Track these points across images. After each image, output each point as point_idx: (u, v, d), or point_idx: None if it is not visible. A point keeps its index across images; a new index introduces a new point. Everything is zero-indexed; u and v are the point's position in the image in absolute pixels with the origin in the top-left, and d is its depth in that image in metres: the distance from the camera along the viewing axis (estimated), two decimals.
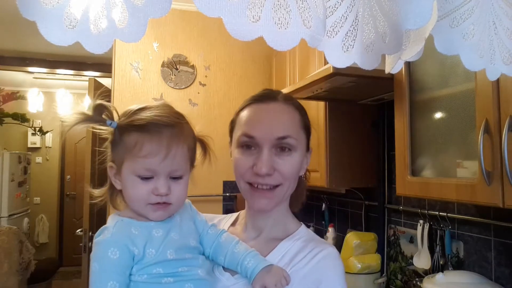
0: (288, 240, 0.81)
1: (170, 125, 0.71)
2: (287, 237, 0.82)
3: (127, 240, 0.68)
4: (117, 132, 0.72)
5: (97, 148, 0.77)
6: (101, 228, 0.72)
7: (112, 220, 0.72)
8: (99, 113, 0.71)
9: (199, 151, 0.80)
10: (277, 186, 0.78)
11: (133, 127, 0.70)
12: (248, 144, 0.79)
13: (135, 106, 0.74)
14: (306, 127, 0.84)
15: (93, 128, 0.72)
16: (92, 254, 0.69)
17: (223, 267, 0.79)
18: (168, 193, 0.71)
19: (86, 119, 0.71)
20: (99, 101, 0.72)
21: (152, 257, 0.68)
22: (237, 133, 0.82)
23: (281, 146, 0.78)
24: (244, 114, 0.82)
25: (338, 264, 0.78)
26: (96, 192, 0.78)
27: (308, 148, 0.86)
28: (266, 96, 0.84)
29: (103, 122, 0.72)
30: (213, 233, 0.80)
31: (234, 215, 0.94)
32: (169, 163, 0.70)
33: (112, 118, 0.72)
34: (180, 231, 0.75)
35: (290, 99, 0.85)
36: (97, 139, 0.83)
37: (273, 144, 0.77)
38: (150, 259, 0.68)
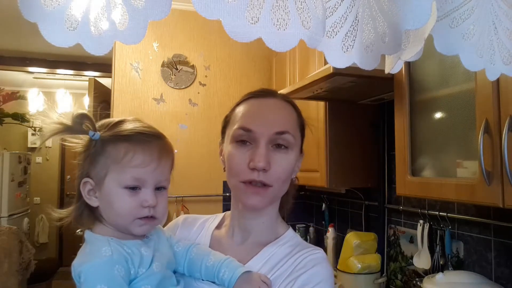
0: (273, 244, 0.78)
1: (157, 136, 0.72)
2: (273, 241, 0.79)
3: (127, 257, 0.66)
4: (99, 143, 0.69)
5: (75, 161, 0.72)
6: (84, 253, 0.67)
7: (100, 240, 0.67)
8: (80, 123, 0.68)
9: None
10: (269, 186, 0.74)
11: (120, 138, 0.68)
12: (243, 139, 0.75)
13: (111, 119, 0.72)
14: (302, 128, 0.82)
15: (63, 140, 0.69)
16: (88, 281, 0.62)
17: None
18: (155, 205, 0.69)
19: (65, 129, 0.67)
20: (80, 111, 0.68)
21: (142, 275, 0.67)
22: (232, 127, 0.78)
23: (277, 143, 0.75)
24: (241, 108, 0.79)
25: (325, 268, 0.74)
26: (63, 212, 0.73)
27: (301, 151, 0.83)
28: (265, 92, 0.82)
29: (83, 133, 0.68)
30: (181, 249, 0.78)
31: (219, 216, 0.91)
32: (159, 172, 0.70)
33: (94, 129, 0.69)
34: (161, 248, 0.74)
35: (288, 98, 0.83)
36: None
37: (270, 139, 0.74)
38: (140, 277, 0.66)
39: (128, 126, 0.70)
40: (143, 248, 0.69)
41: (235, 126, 0.77)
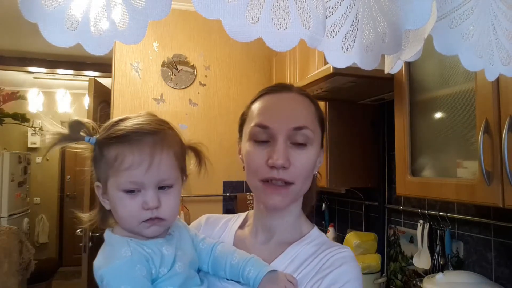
0: (298, 244, 0.77)
1: (151, 132, 0.67)
2: (298, 240, 0.78)
3: (147, 257, 0.65)
4: (97, 147, 0.67)
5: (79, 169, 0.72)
6: (104, 255, 0.66)
7: (118, 241, 0.66)
8: (77, 130, 0.67)
9: (193, 159, 0.76)
10: (291, 184, 0.72)
11: (112, 139, 0.66)
12: (261, 138, 0.73)
13: (115, 118, 0.70)
14: (322, 122, 0.79)
15: (66, 147, 0.68)
16: (111, 284, 0.61)
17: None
18: (158, 206, 0.66)
19: (62, 138, 0.66)
20: (74, 118, 0.67)
21: (164, 276, 0.65)
22: (249, 125, 0.76)
23: (296, 139, 0.72)
24: (257, 105, 0.77)
25: (353, 266, 0.71)
26: (85, 216, 0.73)
27: (322, 145, 0.80)
28: (280, 87, 0.79)
29: (81, 139, 0.67)
30: (205, 247, 0.76)
31: (242, 215, 0.89)
32: (155, 172, 0.65)
33: (90, 134, 0.68)
34: (183, 247, 0.72)
35: (305, 91, 0.80)
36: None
37: (288, 135, 0.72)
38: (162, 278, 0.65)
39: (123, 125, 0.67)
40: (165, 247, 0.68)
41: (252, 124, 0.75)
